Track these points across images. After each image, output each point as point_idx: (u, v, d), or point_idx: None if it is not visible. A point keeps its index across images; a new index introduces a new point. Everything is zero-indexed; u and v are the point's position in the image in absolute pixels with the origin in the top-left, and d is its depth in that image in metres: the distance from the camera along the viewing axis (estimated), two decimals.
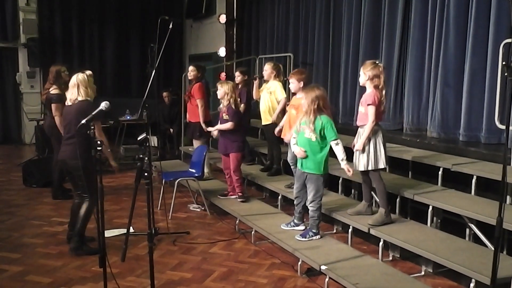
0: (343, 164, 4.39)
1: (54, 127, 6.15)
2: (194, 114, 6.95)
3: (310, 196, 4.53)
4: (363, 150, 4.41)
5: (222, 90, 5.68)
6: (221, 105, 5.83)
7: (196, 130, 6.91)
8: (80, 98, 4.54)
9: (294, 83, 5.30)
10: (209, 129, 6.17)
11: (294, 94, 5.46)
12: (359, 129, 4.56)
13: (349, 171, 4.39)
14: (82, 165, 4.09)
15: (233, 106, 5.67)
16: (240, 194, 5.83)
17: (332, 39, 7.87)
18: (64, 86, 6.28)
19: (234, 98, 5.69)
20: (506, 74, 2.63)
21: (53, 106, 6.19)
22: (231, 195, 5.96)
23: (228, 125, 5.66)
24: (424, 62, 6.12)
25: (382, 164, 4.45)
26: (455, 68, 5.65)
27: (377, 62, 4.46)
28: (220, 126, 5.76)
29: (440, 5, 5.81)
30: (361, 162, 4.45)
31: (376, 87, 4.38)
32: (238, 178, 5.79)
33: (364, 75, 4.40)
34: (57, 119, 6.13)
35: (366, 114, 4.40)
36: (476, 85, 5.40)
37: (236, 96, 5.76)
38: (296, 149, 4.54)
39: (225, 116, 5.72)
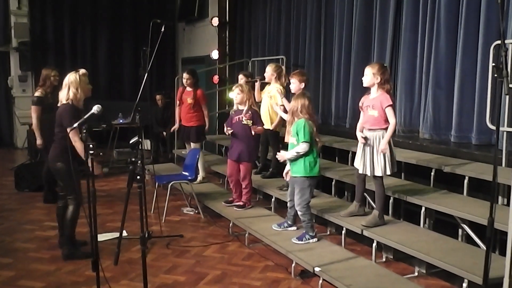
0: (282, 153, 4.57)
1: (48, 130, 6.10)
2: (189, 118, 6.93)
3: (296, 199, 4.53)
4: (388, 151, 4.33)
5: (243, 95, 5.40)
6: (234, 108, 5.58)
7: (193, 134, 6.87)
8: (63, 101, 4.45)
9: (295, 83, 5.27)
10: (228, 130, 5.53)
11: (293, 94, 5.39)
12: (367, 132, 4.44)
13: (282, 157, 4.58)
14: (60, 167, 4.06)
15: (256, 109, 5.46)
16: (241, 203, 5.59)
17: (324, 41, 7.90)
18: (50, 90, 6.31)
19: (254, 103, 5.49)
20: (496, 75, 2.65)
21: (32, 108, 6.20)
22: (237, 201, 5.72)
23: (260, 129, 5.41)
24: (415, 64, 6.15)
25: (395, 168, 4.44)
26: (447, 70, 5.69)
27: (385, 64, 4.44)
28: (258, 129, 5.36)
29: (431, 8, 5.85)
30: (378, 166, 4.34)
31: (388, 91, 4.34)
32: (244, 187, 5.57)
33: (373, 77, 4.33)
34: (34, 122, 6.15)
35: (380, 118, 4.34)
36: (467, 87, 5.44)
37: (253, 99, 5.57)
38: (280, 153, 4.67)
39: (245, 121, 5.38)
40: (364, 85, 4.48)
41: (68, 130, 4.01)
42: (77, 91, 4.44)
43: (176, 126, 7.25)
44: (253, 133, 5.34)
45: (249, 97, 5.44)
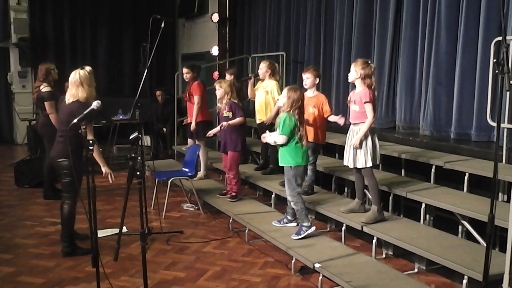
0: (267, 134, 4.69)
1: (47, 126, 6.07)
2: (188, 113, 6.96)
3: (286, 190, 4.64)
4: (360, 147, 4.42)
5: (222, 90, 5.65)
6: (218, 104, 5.78)
7: (199, 130, 6.82)
8: (79, 99, 4.39)
9: (310, 78, 5.29)
10: (210, 132, 5.96)
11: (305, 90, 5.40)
12: (351, 126, 4.57)
13: (264, 138, 4.73)
14: (71, 164, 4.04)
15: (235, 101, 5.65)
16: (233, 193, 5.77)
17: (324, 37, 7.88)
18: (53, 84, 6.28)
19: (234, 96, 5.68)
20: (497, 71, 2.65)
21: (46, 104, 6.11)
22: (230, 193, 5.90)
23: (238, 120, 5.60)
24: (416, 60, 6.14)
25: (377, 161, 4.53)
26: (447, 66, 5.68)
27: (369, 61, 4.50)
28: (232, 122, 5.57)
29: (432, 4, 5.84)
30: (359, 159, 4.45)
31: (369, 86, 4.42)
32: (233, 177, 5.74)
33: (356, 73, 4.44)
34: (52, 117, 6.04)
35: (360, 113, 4.44)
36: (467, 83, 5.43)
37: (235, 93, 5.76)
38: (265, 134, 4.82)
39: (226, 113, 5.64)
40: (349, 80, 4.61)
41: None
42: (90, 88, 4.44)
43: (187, 120, 7.14)
44: (224, 125, 5.54)
45: (228, 91, 5.65)
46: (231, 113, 5.62)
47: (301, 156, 4.57)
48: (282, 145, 4.55)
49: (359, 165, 4.48)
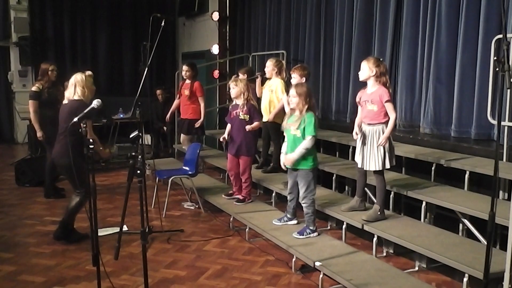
0: (284, 155, 4.53)
1: (45, 125, 6.17)
2: (185, 110, 7.17)
3: (301, 192, 4.53)
4: (377, 149, 4.32)
5: (238, 88, 5.37)
6: (235, 102, 5.51)
7: (185, 126, 7.09)
8: (75, 98, 4.62)
9: (296, 78, 5.28)
10: (224, 136, 5.68)
11: None
12: (366, 127, 4.42)
13: (284, 165, 4.58)
14: (72, 162, 4.08)
15: (253, 103, 5.43)
16: (241, 197, 5.59)
17: (324, 36, 7.87)
18: (48, 84, 6.38)
19: (251, 97, 5.44)
20: (497, 69, 2.64)
21: (29, 102, 6.33)
22: (236, 194, 5.76)
23: (257, 125, 5.38)
24: (416, 58, 6.13)
25: (394, 161, 4.45)
26: (447, 64, 5.67)
27: (381, 59, 4.44)
28: (252, 126, 5.34)
29: (432, 2, 5.82)
30: (379, 161, 4.33)
31: (384, 84, 4.34)
32: (244, 181, 5.57)
33: (370, 71, 4.32)
34: (32, 116, 6.27)
35: (379, 112, 4.33)
36: (467, 81, 5.42)
37: (251, 93, 5.51)
38: (282, 158, 4.60)
39: (242, 116, 5.38)
40: (360, 79, 4.48)
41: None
42: (84, 90, 4.64)
43: (167, 118, 7.72)
44: (247, 129, 5.34)
45: (245, 91, 5.39)
46: (248, 116, 5.37)
47: (316, 156, 4.52)
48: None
49: (379, 167, 4.35)
